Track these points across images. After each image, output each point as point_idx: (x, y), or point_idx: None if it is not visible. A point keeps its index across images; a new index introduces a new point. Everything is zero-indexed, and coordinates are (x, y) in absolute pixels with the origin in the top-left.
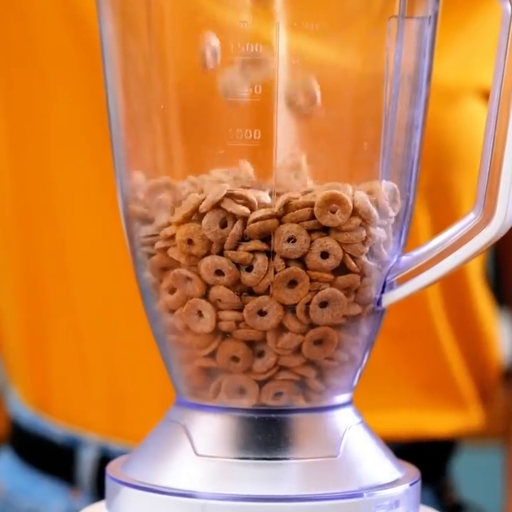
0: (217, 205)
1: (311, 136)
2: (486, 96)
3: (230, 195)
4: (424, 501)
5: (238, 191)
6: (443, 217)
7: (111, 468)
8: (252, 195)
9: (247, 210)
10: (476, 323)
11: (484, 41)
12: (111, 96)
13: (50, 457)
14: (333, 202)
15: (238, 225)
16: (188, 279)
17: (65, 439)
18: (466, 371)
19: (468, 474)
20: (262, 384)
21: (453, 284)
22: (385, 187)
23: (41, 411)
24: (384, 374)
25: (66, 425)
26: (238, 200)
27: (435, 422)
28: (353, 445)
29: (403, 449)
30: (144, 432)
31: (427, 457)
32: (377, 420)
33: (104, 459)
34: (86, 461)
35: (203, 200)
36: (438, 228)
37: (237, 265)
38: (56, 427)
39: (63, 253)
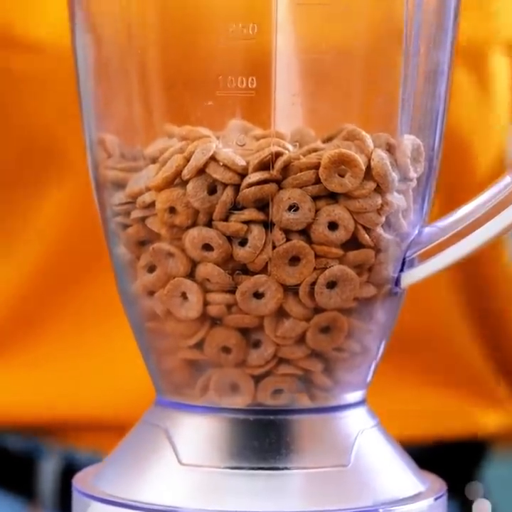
0: (202, 170)
1: (317, 85)
2: None
3: (215, 159)
4: None
5: (225, 154)
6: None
7: (78, 480)
8: (240, 158)
9: (235, 176)
10: (500, 312)
11: None
12: (79, 38)
13: (4, 468)
14: (341, 163)
15: (229, 191)
16: (170, 254)
17: (22, 447)
18: (495, 367)
19: (501, 483)
20: (258, 380)
21: (469, 269)
22: (408, 142)
23: None
24: (396, 377)
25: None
26: (226, 164)
27: (463, 422)
28: (366, 452)
29: (424, 454)
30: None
31: (453, 461)
32: (392, 423)
33: (69, 469)
34: (47, 472)
35: (189, 160)
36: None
37: (229, 238)
38: (11, 432)
39: None
